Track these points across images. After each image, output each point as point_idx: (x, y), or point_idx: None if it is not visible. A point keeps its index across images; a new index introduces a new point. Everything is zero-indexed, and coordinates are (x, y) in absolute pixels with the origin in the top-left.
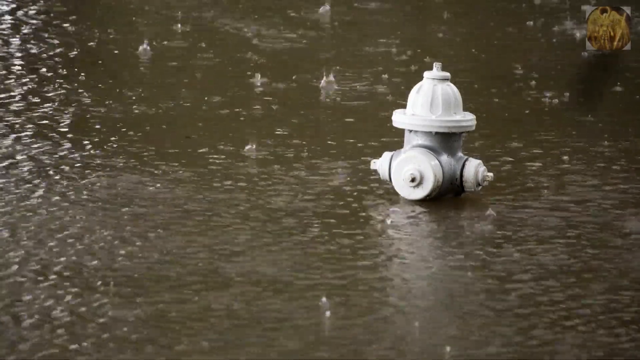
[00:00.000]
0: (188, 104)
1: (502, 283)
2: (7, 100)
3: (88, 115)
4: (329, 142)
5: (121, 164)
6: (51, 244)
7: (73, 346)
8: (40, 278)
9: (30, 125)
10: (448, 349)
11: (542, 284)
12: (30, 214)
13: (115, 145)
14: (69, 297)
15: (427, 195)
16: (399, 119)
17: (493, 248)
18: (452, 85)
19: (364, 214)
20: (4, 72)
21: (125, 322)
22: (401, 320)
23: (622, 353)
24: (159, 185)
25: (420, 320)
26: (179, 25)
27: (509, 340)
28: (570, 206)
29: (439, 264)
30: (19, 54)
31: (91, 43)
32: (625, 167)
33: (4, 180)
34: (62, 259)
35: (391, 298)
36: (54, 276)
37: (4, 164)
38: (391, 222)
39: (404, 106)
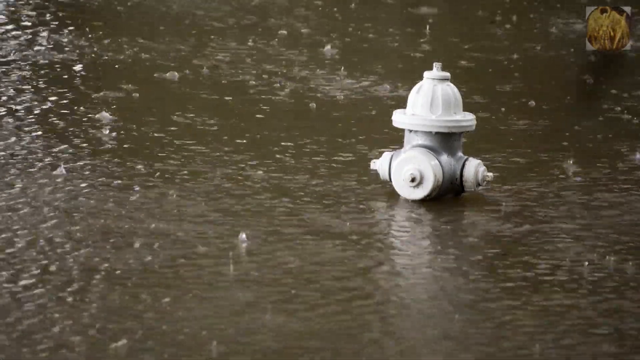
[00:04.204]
0: None
1: (502, 283)
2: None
3: None
4: (329, 141)
5: None
6: None
7: None
8: None
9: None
10: (445, 348)
11: (542, 283)
12: None
13: None
14: None
15: (427, 195)
16: (399, 119)
17: (494, 248)
18: (452, 85)
19: (363, 214)
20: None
21: None
22: (399, 320)
23: None
24: None
25: (419, 320)
26: None
27: (508, 341)
28: (571, 207)
29: (439, 264)
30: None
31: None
32: None
33: None
34: None
35: (390, 299)
36: None
37: None
38: (391, 222)
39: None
